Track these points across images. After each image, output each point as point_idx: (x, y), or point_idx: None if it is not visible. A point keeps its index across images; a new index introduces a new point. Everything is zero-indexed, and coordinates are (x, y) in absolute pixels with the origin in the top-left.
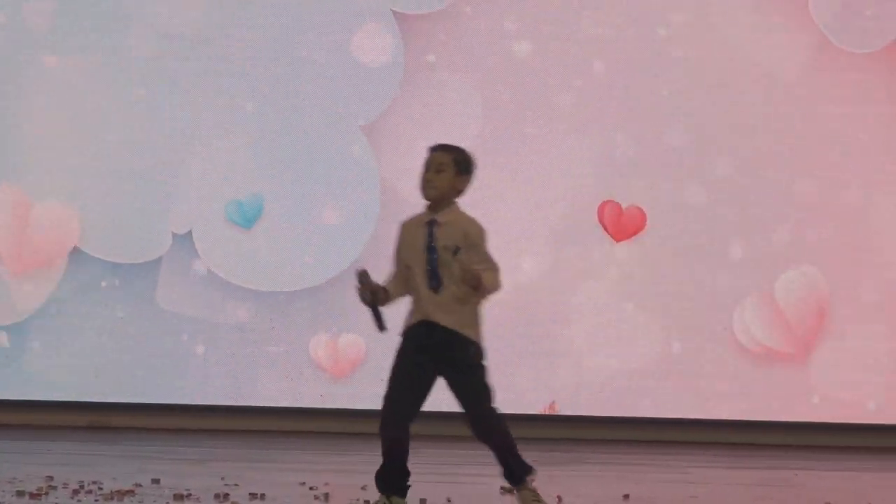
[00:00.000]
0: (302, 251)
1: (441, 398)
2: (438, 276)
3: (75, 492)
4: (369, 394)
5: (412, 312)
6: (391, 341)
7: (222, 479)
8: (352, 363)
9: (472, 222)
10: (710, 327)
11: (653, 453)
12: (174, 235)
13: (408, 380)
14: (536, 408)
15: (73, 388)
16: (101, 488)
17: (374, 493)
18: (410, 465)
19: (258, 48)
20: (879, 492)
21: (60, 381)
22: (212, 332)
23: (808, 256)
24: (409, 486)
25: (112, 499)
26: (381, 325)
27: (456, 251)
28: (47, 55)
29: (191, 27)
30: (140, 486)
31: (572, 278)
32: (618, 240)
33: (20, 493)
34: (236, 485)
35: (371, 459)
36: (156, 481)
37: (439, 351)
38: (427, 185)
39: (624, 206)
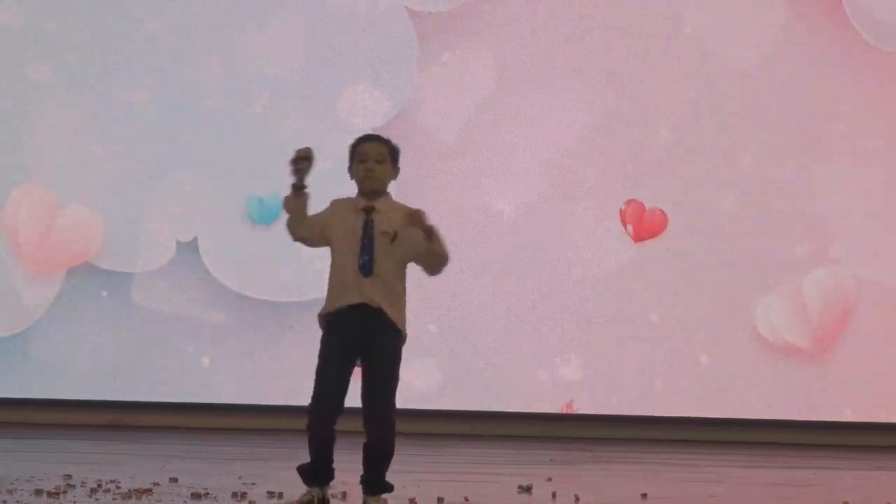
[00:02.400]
0: (311, 258)
1: (458, 398)
2: (372, 262)
3: (93, 490)
4: None
5: (337, 295)
6: (410, 341)
7: (240, 477)
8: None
9: (410, 207)
10: (731, 326)
11: (671, 452)
12: (178, 243)
13: (336, 376)
14: (554, 406)
15: (92, 386)
16: (119, 487)
17: (393, 491)
18: (431, 465)
19: (268, 49)
20: None
21: (79, 380)
22: (222, 336)
23: (833, 255)
24: (334, 468)
25: (130, 497)
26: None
27: (394, 237)
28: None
29: (198, 30)
30: (158, 484)
31: (591, 276)
32: (638, 240)
33: (38, 492)
34: (254, 483)
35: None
36: (174, 480)
37: (367, 335)
38: (370, 176)
39: (647, 206)
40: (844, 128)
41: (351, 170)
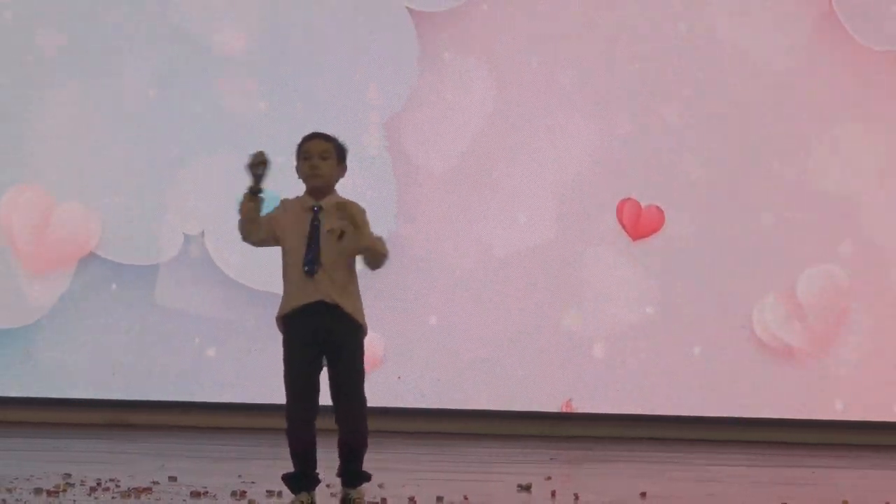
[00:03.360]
0: None
1: (454, 397)
2: (318, 260)
3: (93, 489)
4: (387, 392)
5: (292, 295)
6: (411, 341)
7: (239, 476)
8: (370, 362)
9: (355, 204)
10: (729, 325)
11: (670, 451)
12: (185, 236)
13: (306, 378)
14: (553, 405)
15: (91, 385)
16: (118, 486)
17: (392, 491)
18: (431, 463)
19: (272, 47)
20: None
21: (78, 379)
22: (227, 332)
23: (829, 254)
24: (318, 472)
25: (129, 496)
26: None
27: (341, 235)
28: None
29: (198, 28)
30: (157, 483)
31: (590, 275)
32: (635, 238)
33: (38, 491)
34: (253, 482)
35: (390, 458)
36: (173, 479)
37: (326, 332)
38: (314, 173)
39: (643, 204)
40: (839, 127)
41: (297, 168)
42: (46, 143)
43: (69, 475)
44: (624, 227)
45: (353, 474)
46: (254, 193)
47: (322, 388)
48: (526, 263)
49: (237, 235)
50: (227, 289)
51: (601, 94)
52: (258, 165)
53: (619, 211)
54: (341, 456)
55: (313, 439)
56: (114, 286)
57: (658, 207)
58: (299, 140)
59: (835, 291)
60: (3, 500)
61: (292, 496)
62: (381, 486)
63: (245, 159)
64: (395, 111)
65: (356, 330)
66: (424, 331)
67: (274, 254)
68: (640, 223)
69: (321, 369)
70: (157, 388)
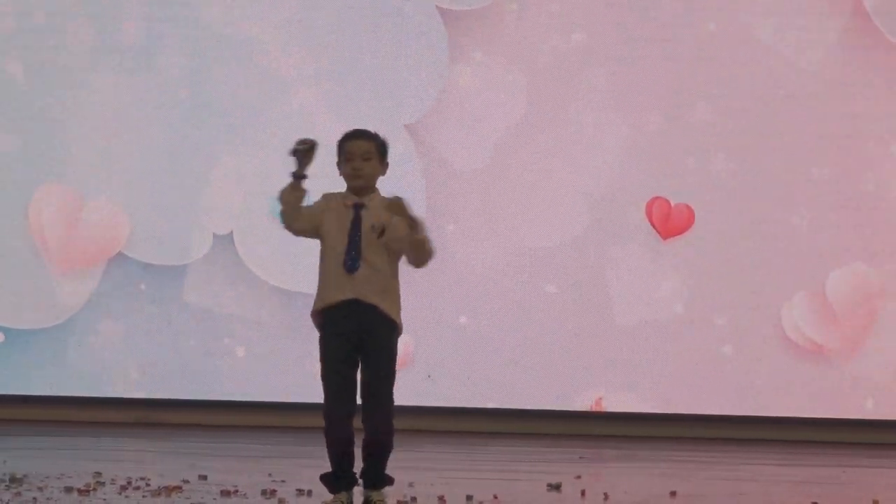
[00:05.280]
0: None
1: (484, 396)
2: (359, 258)
3: (123, 488)
4: (416, 391)
5: (327, 291)
6: (441, 340)
7: (269, 475)
8: (400, 360)
9: (395, 199)
10: (759, 324)
11: (701, 450)
12: (215, 236)
13: (342, 376)
14: (583, 404)
15: (121, 384)
16: (148, 484)
17: (421, 490)
18: (460, 462)
19: (301, 46)
20: None
21: (108, 378)
22: (257, 331)
23: (858, 253)
24: (356, 472)
25: (160, 495)
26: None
27: (382, 232)
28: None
29: (230, 27)
30: (187, 482)
31: (620, 274)
32: (665, 237)
33: (69, 489)
34: (283, 481)
35: (420, 457)
36: (203, 477)
37: (362, 331)
38: (356, 174)
39: (673, 203)
40: (870, 126)
41: (338, 166)
42: (77, 143)
43: (99, 474)
44: (654, 225)
45: (375, 477)
46: (297, 179)
47: None
48: (555, 262)
49: (266, 235)
50: (256, 288)
51: (633, 93)
52: (304, 150)
53: (649, 210)
54: (365, 457)
55: (351, 438)
56: (143, 286)
57: (688, 206)
58: (341, 137)
59: (865, 290)
60: (35, 499)
61: (330, 496)
62: (410, 485)
63: (272, 155)
64: (423, 113)
65: (391, 329)
66: (454, 330)
67: (302, 253)
68: (669, 222)
69: (357, 366)
70: (186, 386)
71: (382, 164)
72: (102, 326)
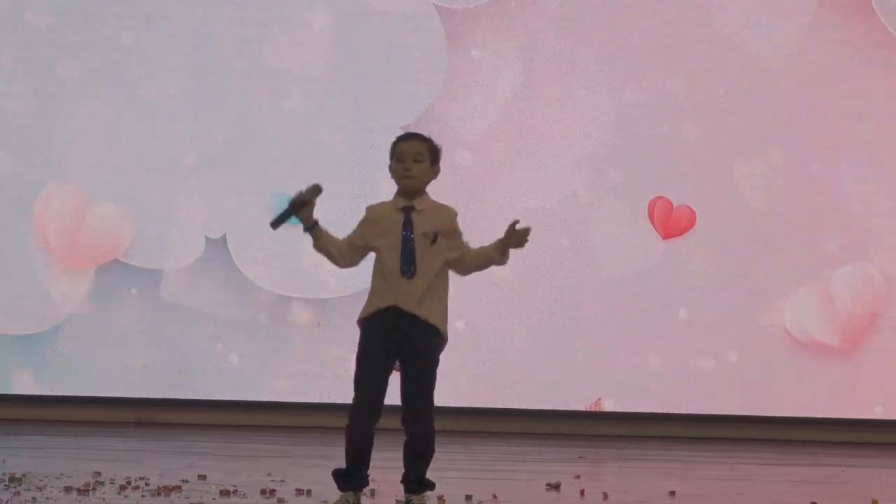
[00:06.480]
0: None
1: (483, 396)
2: (414, 262)
3: (122, 487)
4: None
5: (378, 297)
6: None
7: (269, 474)
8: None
9: (448, 209)
10: (761, 323)
11: (699, 450)
12: (207, 240)
13: (376, 379)
14: (583, 404)
15: (121, 384)
16: (147, 484)
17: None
18: (459, 462)
19: (296, 47)
20: None
21: (107, 378)
22: (251, 334)
23: (862, 253)
24: (369, 474)
25: (159, 494)
26: (278, 222)
27: (435, 238)
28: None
29: (230, 28)
30: (187, 481)
31: (619, 275)
32: (666, 237)
33: (68, 489)
34: (283, 481)
35: None
36: (202, 477)
37: (405, 338)
38: (406, 175)
39: (675, 203)
40: (874, 124)
41: (390, 168)
42: (78, 144)
43: (99, 473)
44: (655, 226)
45: (415, 481)
46: (310, 231)
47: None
48: (555, 263)
49: (259, 239)
50: (249, 291)
51: (629, 92)
52: (300, 205)
53: (651, 210)
54: (406, 461)
55: (371, 440)
56: (134, 290)
57: (689, 207)
58: (394, 139)
59: (868, 290)
60: (34, 499)
61: (336, 496)
62: None
63: (267, 156)
64: (420, 112)
65: (432, 336)
66: (454, 330)
67: (294, 258)
68: (671, 222)
69: (391, 372)
70: (185, 386)
71: (433, 168)
72: (102, 325)
